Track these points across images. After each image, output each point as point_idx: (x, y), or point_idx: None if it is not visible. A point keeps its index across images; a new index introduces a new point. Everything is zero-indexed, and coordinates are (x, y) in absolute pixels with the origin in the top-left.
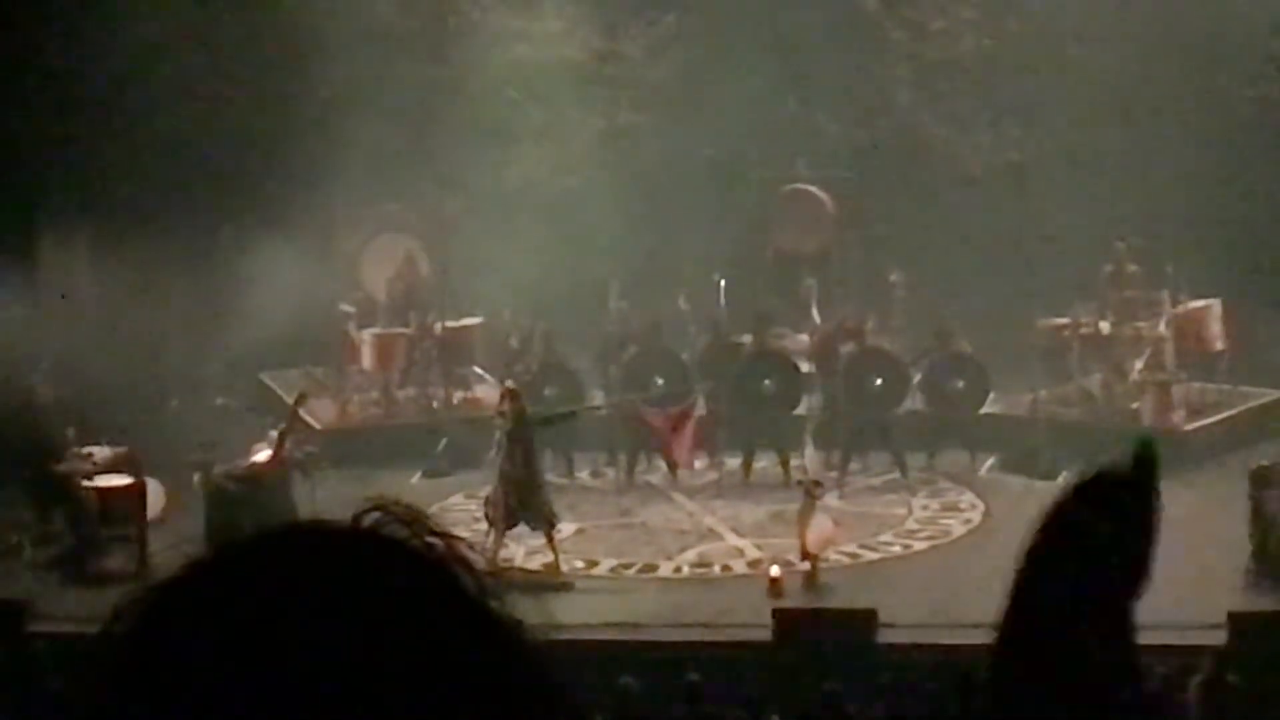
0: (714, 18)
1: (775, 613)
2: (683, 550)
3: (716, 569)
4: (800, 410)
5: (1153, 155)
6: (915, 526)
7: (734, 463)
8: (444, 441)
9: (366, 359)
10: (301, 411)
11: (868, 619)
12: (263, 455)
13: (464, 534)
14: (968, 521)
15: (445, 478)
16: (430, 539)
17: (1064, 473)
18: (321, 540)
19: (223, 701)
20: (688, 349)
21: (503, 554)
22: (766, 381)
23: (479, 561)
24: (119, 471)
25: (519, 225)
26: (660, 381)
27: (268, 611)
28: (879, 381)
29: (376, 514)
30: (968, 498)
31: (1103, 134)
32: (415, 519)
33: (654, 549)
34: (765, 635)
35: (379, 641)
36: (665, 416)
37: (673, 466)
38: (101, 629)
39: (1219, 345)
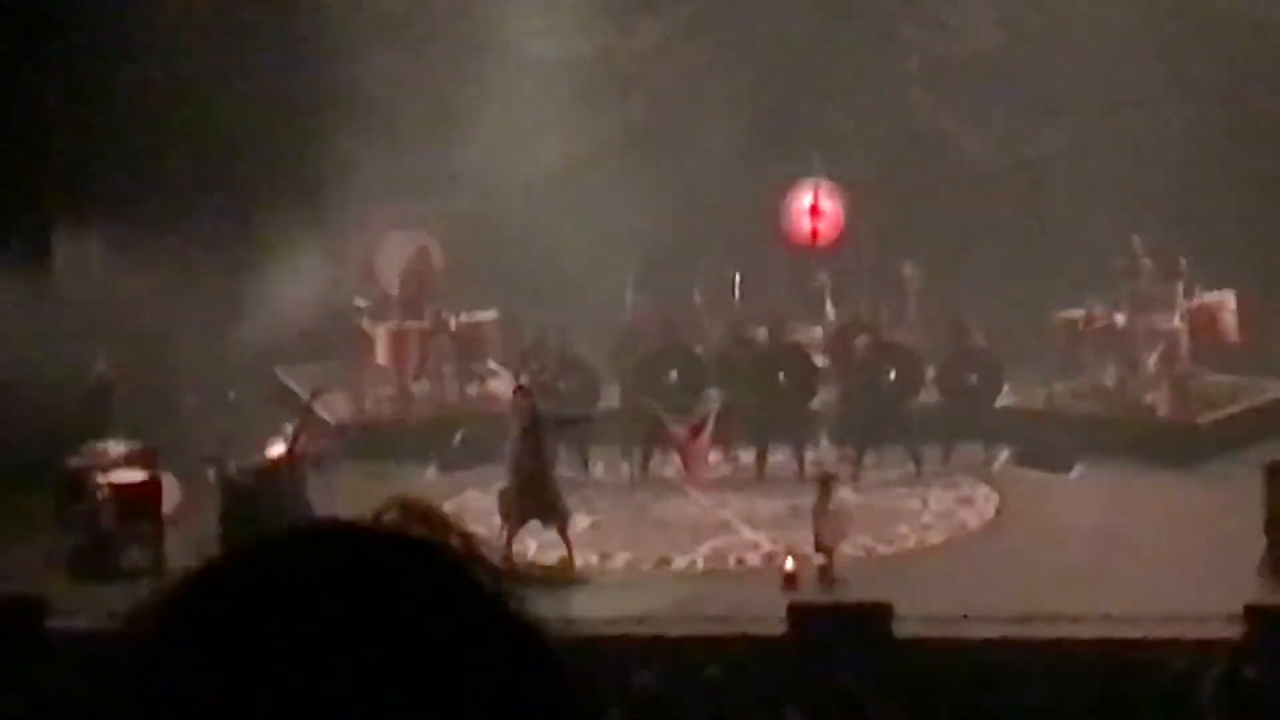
0: (727, 13)
1: (790, 606)
2: (697, 544)
3: (731, 563)
4: (815, 404)
5: (1167, 149)
6: (930, 520)
7: (749, 457)
8: (459, 436)
9: (381, 354)
10: (316, 407)
11: (883, 612)
12: (278, 450)
13: (478, 529)
14: (982, 515)
15: (460, 472)
16: (449, 538)
17: (1078, 466)
18: (339, 539)
19: (240, 702)
20: (702, 344)
21: (517, 549)
22: (781, 375)
23: (496, 560)
24: (134, 467)
25: (532, 220)
26: (675, 376)
27: (285, 612)
28: (894, 375)
29: (395, 512)
30: (983, 491)
31: (1117, 128)
32: (434, 517)
33: (669, 543)
34: (780, 629)
35: (397, 640)
36: (683, 428)
37: (690, 471)
38: (120, 627)
39: (1233, 338)
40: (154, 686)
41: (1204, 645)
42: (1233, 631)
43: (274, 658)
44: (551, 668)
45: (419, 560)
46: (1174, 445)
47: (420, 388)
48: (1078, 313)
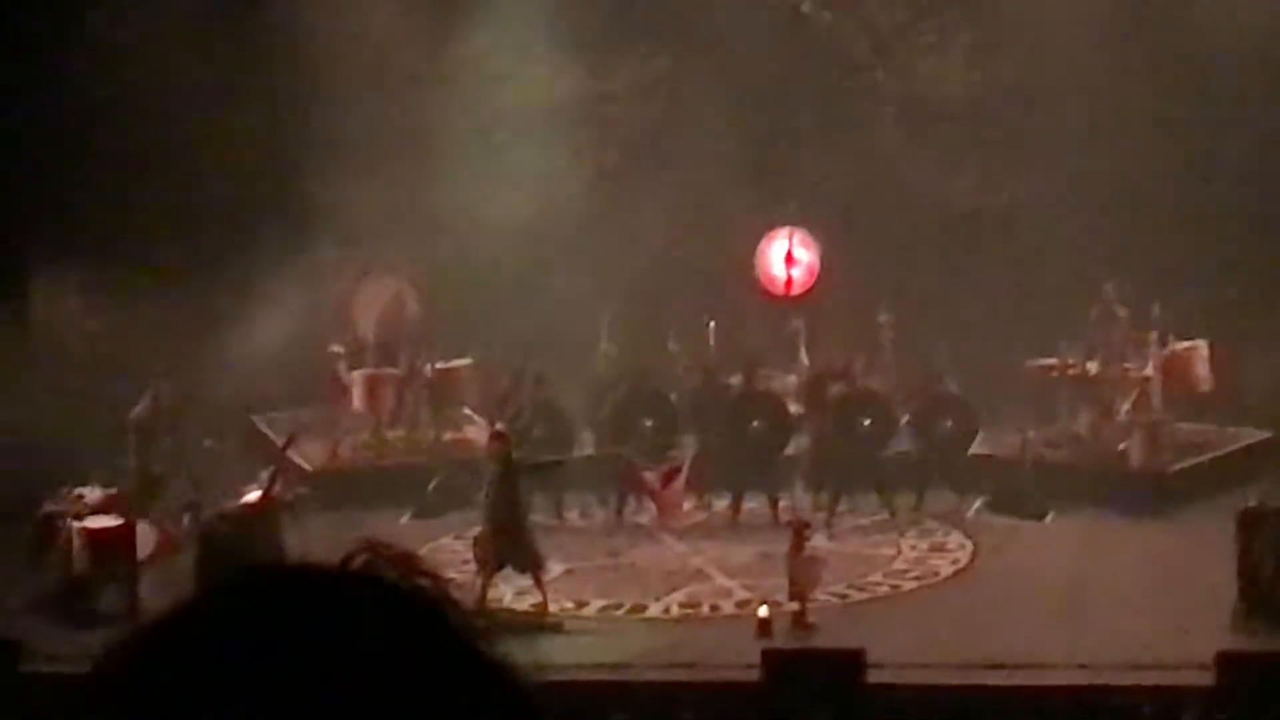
0: (702, 60)
1: (764, 653)
2: (671, 591)
3: (705, 609)
4: (789, 451)
5: (1140, 196)
6: (904, 567)
7: (723, 503)
8: (434, 482)
9: (356, 400)
10: (291, 452)
11: (856, 659)
12: (253, 496)
13: (453, 575)
14: (956, 562)
15: (435, 518)
16: (420, 581)
17: (1052, 513)
18: (310, 582)
19: None
20: (677, 390)
21: (491, 594)
22: (755, 422)
23: (467, 604)
24: (110, 512)
25: (507, 266)
26: (649, 424)
27: (256, 653)
28: (867, 422)
29: (366, 555)
30: (956, 538)
31: (1090, 175)
32: (405, 561)
33: (643, 589)
34: (754, 675)
35: (369, 684)
36: (655, 474)
37: (664, 517)
38: (91, 670)
39: (1206, 386)
40: None
41: (1176, 693)
42: (1205, 679)
43: (244, 700)
44: (523, 710)
45: (389, 603)
46: (1147, 493)
47: (396, 434)
48: (1051, 360)
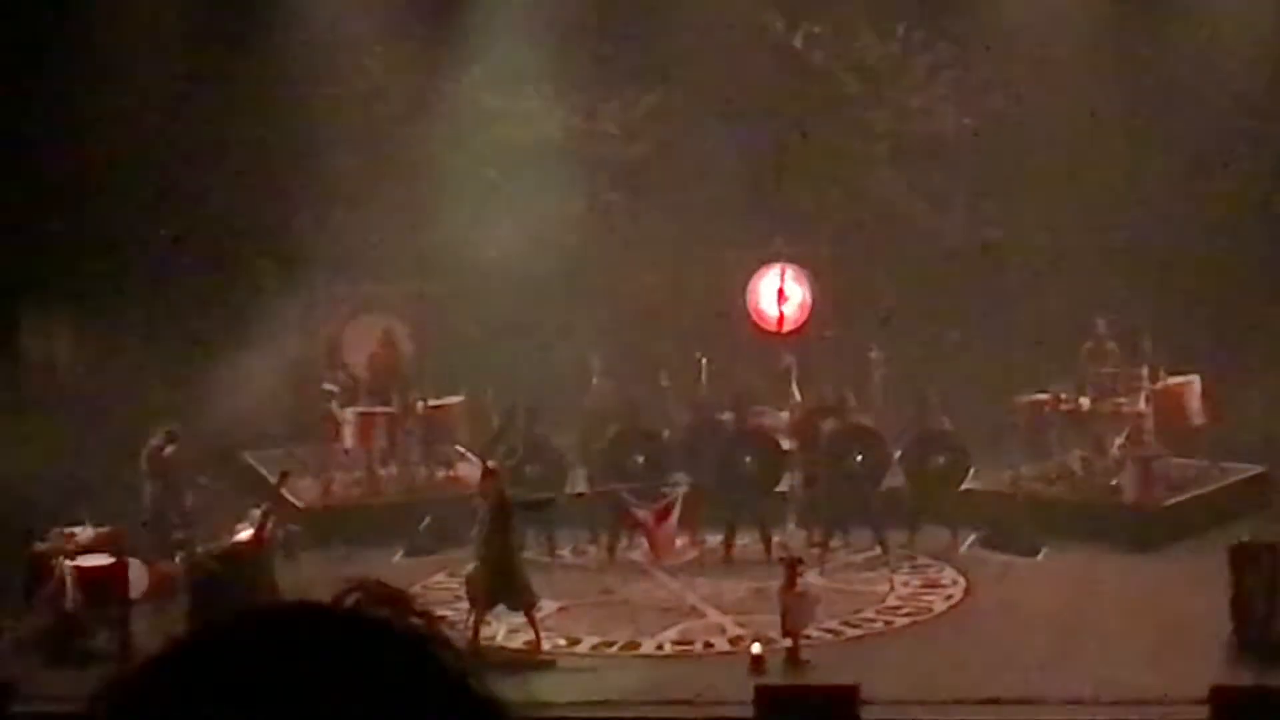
0: (692, 96)
1: (757, 690)
2: (665, 628)
3: (698, 646)
4: (782, 487)
5: (1131, 232)
6: (897, 603)
7: (715, 540)
8: (426, 520)
9: (349, 438)
10: (284, 490)
11: (850, 696)
12: (245, 534)
13: (446, 612)
14: (949, 598)
15: (428, 556)
16: (412, 619)
17: (1044, 549)
18: (303, 621)
19: None
20: (668, 427)
21: (484, 632)
22: (748, 459)
23: (460, 642)
24: (102, 551)
25: (500, 304)
26: (640, 460)
27: (249, 693)
28: (860, 458)
29: (358, 594)
30: (949, 574)
31: (1081, 211)
32: (397, 599)
33: (636, 626)
34: (747, 712)
35: None
36: (648, 511)
37: (656, 554)
38: (84, 710)
39: (1198, 421)
40: None
41: None
42: (1199, 715)
43: None
44: None
45: (381, 641)
46: (1139, 528)
47: (388, 471)
48: (1043, 395)
